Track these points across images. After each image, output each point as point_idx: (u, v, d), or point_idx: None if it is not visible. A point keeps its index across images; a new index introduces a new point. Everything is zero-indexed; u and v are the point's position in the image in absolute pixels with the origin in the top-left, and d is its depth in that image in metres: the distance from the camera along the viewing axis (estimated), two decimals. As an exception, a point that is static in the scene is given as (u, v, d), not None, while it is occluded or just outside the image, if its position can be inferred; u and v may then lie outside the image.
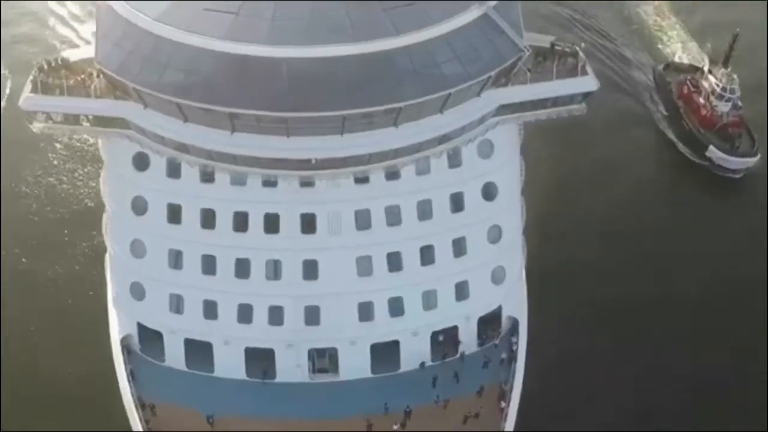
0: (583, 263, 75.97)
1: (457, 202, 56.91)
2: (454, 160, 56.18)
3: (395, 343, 57.97)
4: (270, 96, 48.40)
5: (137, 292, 58.59)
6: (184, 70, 49.90)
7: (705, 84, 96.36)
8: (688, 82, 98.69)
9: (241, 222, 55.47)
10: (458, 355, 58.86)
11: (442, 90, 50.08)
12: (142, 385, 56.27)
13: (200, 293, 57.17)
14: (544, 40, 57.73)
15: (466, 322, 59.03)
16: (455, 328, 59.00)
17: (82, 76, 54.34)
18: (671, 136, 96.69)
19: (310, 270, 56.03)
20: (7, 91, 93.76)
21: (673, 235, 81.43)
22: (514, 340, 59.15)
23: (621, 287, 74.35)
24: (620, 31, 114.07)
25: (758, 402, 66.44)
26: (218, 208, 55.54)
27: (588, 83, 55.30)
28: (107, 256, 61.00)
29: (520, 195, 61.03)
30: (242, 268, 56.27)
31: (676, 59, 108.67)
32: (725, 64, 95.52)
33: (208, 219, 55.80)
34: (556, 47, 57.25)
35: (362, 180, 54.72)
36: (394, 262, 56.68)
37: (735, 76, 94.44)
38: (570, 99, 56.18)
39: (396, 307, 57.49)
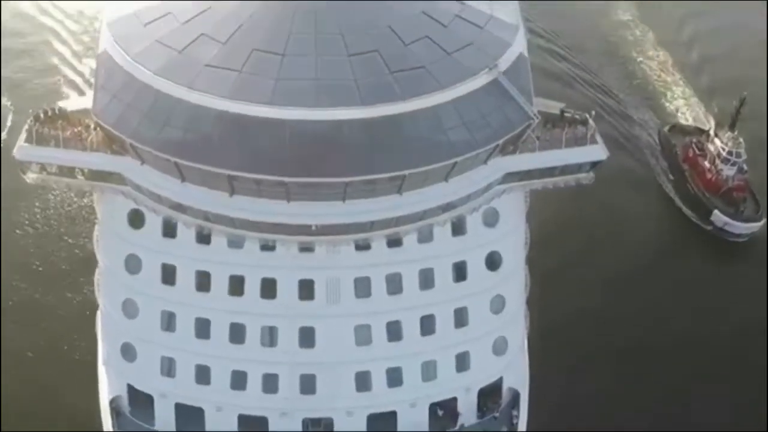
0: (585, 326, 75.39)
1: (459, 272, 55.41)
2: (458, 229, 54.80)
3: (392, 414, 56.16)
4: (271, 159, 46.95)
5: (128, 353, 56.85)
6: (183, 128, 48.37)
7: (711, 147, 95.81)
8: (693, 145, 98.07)
9: (237, 286, 53.89)
10: (457, 428, 57.16)
11: (449, 158, 48.71)
12: None
13: (193, 357, 55.42)
14: (554, 107, 56.36)
15: (465, 393, 57.35)
16: (454, 400, 57.25)
17: (79, 128, 52.85)
18: (676, 199, 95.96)
19: (307, 337, 54.36)
20: (9, 123, 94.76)
21: (676, 299, 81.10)
22: (514, 413, 57.64)
23: (623, 348, 74.18)
24: (625, 88, 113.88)
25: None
26: (214, 271, 53.98)
27: (598, 152, 54.04)
28: (98, 313, 59.22)
29: (525, 264, 59.37)
30: (237, 333, 54.57)
31: (682, 120, 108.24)
32: (732, 128, 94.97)
33: (203, 281, 54.20)
34: (566, 114, 55.88)
35: (363, 247, 53.25)
36: (394, 331, 55.07)
37: (741, 139, 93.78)
38: (578, 167, 54.92)
39: (394, 378, 55.76)
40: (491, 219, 55.87)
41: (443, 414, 57.04)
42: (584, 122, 55.11)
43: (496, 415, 57.83)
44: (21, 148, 52.41)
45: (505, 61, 50.87)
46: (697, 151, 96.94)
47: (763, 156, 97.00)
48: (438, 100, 48.47)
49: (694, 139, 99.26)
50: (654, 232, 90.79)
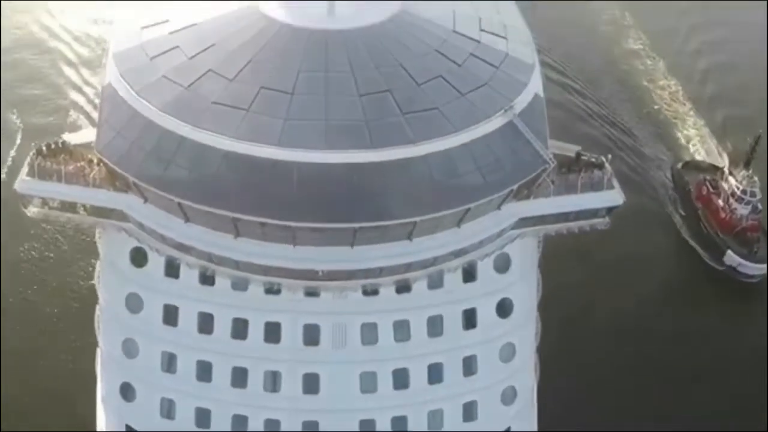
0: (596, 367, 73.93)
1: (469, 319, 53.83)
2: (469, 275, 53.29)
3: None
4: (277, 202, 45.44)
5: (128, 393, 55.41)
6: (188, 168, 46.92)
7: (724, 185, 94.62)
8: (707, 183, 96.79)
9: (240, 329, 52.36)
10: (463, 479, 55.33)
11: (462, 204, 47.24)
12: None
13: (193, 400, 53.85)
14: (569, 149, 54.79)
15: None
16: (461, 450, 55.46)
17: (82, 163, 51.57)
18: (689, 238, 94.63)
19: (311, 383, 52.72)
20: (18, 140, 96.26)
21: (687, 339, 79.93)
22: None
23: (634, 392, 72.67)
24: (637, 123, 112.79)
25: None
26: (217, 313, 52.53)
27: (614, 198, 52.57)
28: (98, 351, 57.76)
29: (536, 311, 57.78)
30: (239, 377, 53.01)
31: (695, 156, 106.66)
32: (746, 166, 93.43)
33: (205, 323, 52.77)
34: (582, 157, 54.35)
35: (371, 292, 51.75)
36: (400, 379, 53.40)
37: (756, 178, 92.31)
38: (594, 212, 53.46)
39: (400, 426, 54.04)
40: (503, 265, 54.32)
41: None
42: (600, 166, 53.57)
43: (504, 465, 56.09)
44: (23, 182, 51.16)
45: (520, 103, 49.49)
46: (711, 189, 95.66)
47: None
48: (451, 143, 46.94)
49: (707, 177, 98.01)
50: (666, 271, 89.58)
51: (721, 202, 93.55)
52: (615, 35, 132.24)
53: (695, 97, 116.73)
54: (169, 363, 54.03)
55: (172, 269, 52.53)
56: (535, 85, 51.54)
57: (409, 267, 49.84)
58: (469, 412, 55.13)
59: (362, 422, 53.47)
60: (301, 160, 45.21)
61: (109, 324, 56.12)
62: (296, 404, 52.93)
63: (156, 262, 52.78)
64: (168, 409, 54.62)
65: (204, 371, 53.35)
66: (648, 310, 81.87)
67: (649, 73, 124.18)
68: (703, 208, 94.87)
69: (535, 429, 58.02)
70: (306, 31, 50.41)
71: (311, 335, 52.15)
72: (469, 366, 54.40)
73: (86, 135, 54.30)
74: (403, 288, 52.11)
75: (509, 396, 56.36)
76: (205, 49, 50.13)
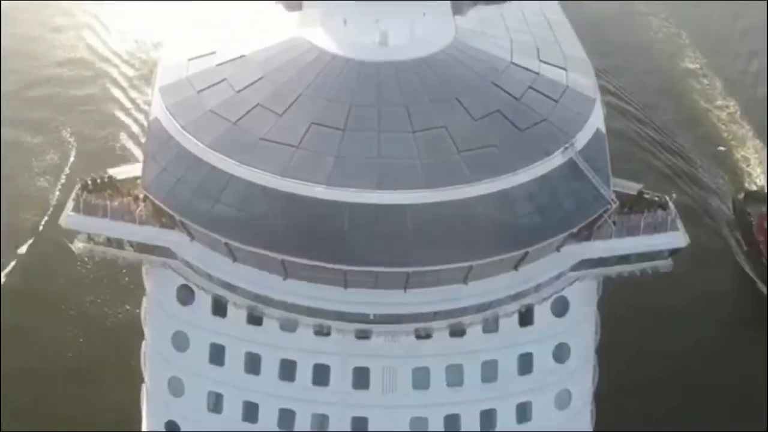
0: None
1: (525, 364, 51.87)
2: (526, 318, 51.32)
3: None
4: (327, 244, 43.89)
5: (173, 430, 54.26)
6: (235, 206, 45.60)
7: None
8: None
9: (288, 370, 50.99)
10: None
11: (520, 247, 45.34)
12: None
13: None
14: (631, 187, 52.61)
15: None
16: (513, 499, 53.41)
17: (128, 198, 50.48)
18: (750, 273, 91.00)
19: (360, 427, 51.06)
20: (72, 158, 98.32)
21: (748, 380, 76.78)
22: None
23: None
24: (693, 146, 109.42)
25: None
26: (264, 354, 51.17)
27: (678, 240, 50.12)
28: (143, 387, 56.70)
29: (594, 355, 55.57)
30: (286, 420, 51.55)
31: (756, 182, 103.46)
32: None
33: (253, 364, 51.38)
34: (644, 196, 52.10)
35: (423, 336, 49.94)
36: (452, 425, 51.45)
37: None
38: (656, 254, 51.13)
39: None
40: (561, 308, 52.37)
41: None
42: (664, 206, 51.25)
43: None
44: (68, 217, 50.15)
45: (581, 139, 47.71)
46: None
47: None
48: (509, 183, 45.08)
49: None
50: (726, 308, 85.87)
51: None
52: (671, 56, 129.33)
53: (755, 117, 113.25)
54: (216, 403, 52.87)
55: (219, 308, 51.30)
56: (597, 120, 49.78)
57: (463, 311, 48.17)
58: (523, 460, 53.07)
59: None
60: (352, 201, 43.63)
61: (154, 362, 55.07)
62: None
63: (203, 300, 51.60)
64: None
65: (250, 412, 51.99)
66: (707, 353, 78.73)
67: (706, 93, 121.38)
68: (765, 242, 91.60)
69: (591, 477, 55.66)
70: (357, 63, 49.01)
71: (361, 378, 50.56)
72: (523, 413, 52.41)
73: (132, 170, 53.30)
74: (456, 331, 50.19)
75: (564, 443, 54.19)
76: (254, 83, 48.99)
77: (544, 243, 45.88)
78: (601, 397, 56.57)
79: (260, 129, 46.41)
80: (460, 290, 46.57)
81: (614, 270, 51.66)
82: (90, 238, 51.45)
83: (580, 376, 54.47)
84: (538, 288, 49.42)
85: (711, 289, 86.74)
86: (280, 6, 56.56)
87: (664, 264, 51.60)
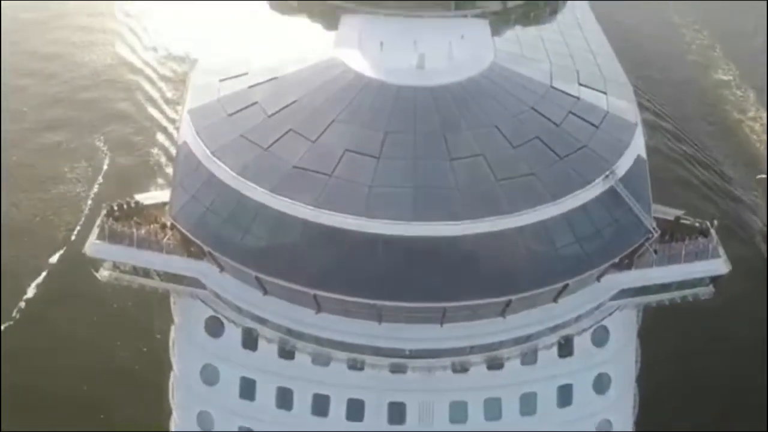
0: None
1: (564, 396, 50.57)
2: (565, 349, 50.06)
3: None
4: (362, 278, 42.44)
5: None
6: (266, 238, 44.22)
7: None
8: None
9: (321, 405, 49.76)
10: None
11: (560, 279, 43.91)
12: None
13: None
14: (671, 213, 51.05)
15: None
16: None
17: (155, 226, 49.13)
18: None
19: None
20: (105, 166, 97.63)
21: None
22: None
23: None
24: (726, 158, 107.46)
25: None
26: (297, 388, 50.00)
27: (719, 267, 48.52)
28: (172, 420, 55.46)
29: (634, 384, 53.98)
30: None
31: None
32: None
33: (284, 399, 50.17)
34: (683, 221, 50.50)
35: (460, 369, 48.61)
36: None
37: None
38: (698, 281, 49.63)
39: None
40: (601, 338, 51.11)
41: None
42: (705, 233, 49.58)
43: None
44: (93, 246, 48.56)
45: (622, 166, 46.17)
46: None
47: None
48: (548, 213, 43.62)
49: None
50: (763, 328, 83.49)
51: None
52: (703, 68, 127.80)
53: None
54: None
55: (249, 340, 50.18)
56: (638, 146, 48.26)
57: (501, 344, 47.00)
58: (563, 493, 51.70)
59: None
60: (387, 233, 42.17)
61: (182, 395, 53.75)
62: None
63: (233, 333, 50.51)
64: None
65: None
66: (743, 369, 76.88)
67: (739, 104, 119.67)
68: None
69: None
70: (393, 87, 47.52)
71: (396, 413, 49.32)
72: None
73: (159, 195, 52.20)
74: (494, 364, 49.00)
75: (604, 476, 52.73)
76: (286, 107, 47.53)
77: (584, 275, 44.37)
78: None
79: (292, 156, 44.91)
80: (498, 324, 45.23)
81: (655, 298, 50.32)
82: (116, 266, 50.13)
83: (621, 406, 53.08)
84: (578, 319, 48.03)
85: (747, 307, 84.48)
86: (317, 23, 55.60)
87: (705, 291, 50.19)
